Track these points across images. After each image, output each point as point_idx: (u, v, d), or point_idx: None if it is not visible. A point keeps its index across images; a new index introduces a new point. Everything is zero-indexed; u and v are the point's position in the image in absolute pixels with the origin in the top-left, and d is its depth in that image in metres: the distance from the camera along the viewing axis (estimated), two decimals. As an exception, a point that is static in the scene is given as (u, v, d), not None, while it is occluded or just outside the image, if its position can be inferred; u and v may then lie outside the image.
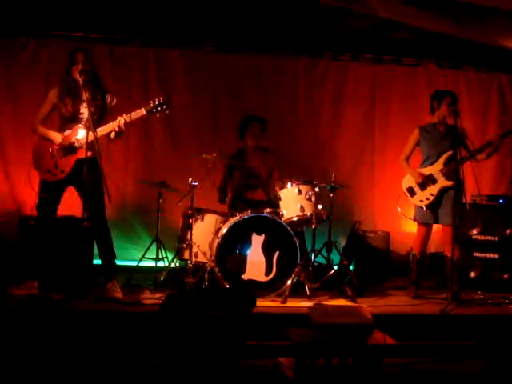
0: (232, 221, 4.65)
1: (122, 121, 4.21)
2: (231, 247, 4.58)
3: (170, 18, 5.78)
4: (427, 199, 4.80)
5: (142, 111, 4.29)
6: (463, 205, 4.74)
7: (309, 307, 3.79)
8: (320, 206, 4.74)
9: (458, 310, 4.34)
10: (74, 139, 4.26)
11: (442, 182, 4.75)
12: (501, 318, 4.30)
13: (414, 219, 4.94)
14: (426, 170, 4.85)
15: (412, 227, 5.23)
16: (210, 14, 5.63)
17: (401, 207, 5.05)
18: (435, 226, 4.94)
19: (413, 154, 5.00)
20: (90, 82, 4.28)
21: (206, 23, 5.86)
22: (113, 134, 4.31)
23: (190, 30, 5.98)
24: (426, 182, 4.81)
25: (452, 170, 4.63)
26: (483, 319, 4.25)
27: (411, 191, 4.89)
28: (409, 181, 4.91)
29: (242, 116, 5.52)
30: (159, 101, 4.27)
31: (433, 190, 4.78)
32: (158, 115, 4.32)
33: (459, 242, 4.77)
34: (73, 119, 4.32)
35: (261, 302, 3.98)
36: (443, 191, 4.74)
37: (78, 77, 4.21)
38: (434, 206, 4.79)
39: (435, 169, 4.80)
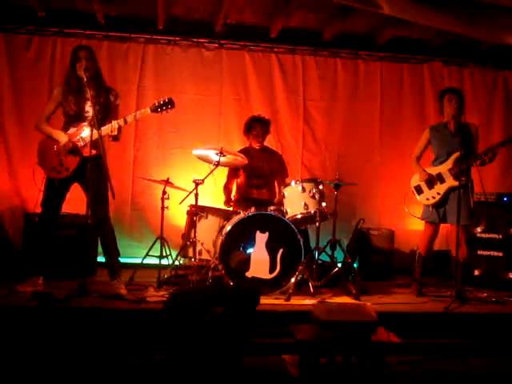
0: (236, 218, 4.64)
1: (116, 125, 4.21)
2: (235, 245, 4.58)
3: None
4: (433, 198, 4.78)
5: (147, 111, 4.30)
6: (471, 204, 4.73)
7: (312, 305, 3.79)
8: (324, 204, 4.74)
9: (462, 308, 4.34)
10: (78, 137, 4.26)
11: (450, 181, 4.71)
12: (505, 317, 4.28)
13: (422, 218, 4.93)
14: (436, 169, 4.82)
15: (417, 225, 5.22)
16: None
17: (407, 206, 5.04)
18: (442, 225, 4.92)
19: (425, 153, 4.97)
20: (94, 80, 4.27)
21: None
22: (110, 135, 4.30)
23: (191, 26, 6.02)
24: (434, 180, 4.79)
25: (460, 170, 4.62)
26: (487, 317, 4.24)
27: (419, 189, 4.88)
28: (417, 179, 4.90)
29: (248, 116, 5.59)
30: (164, 100, 4.29)
31: (440, 189, 4.76)
32: (162, 114, 4.33)
33: (467, 242, 4.77)
34: (77, 117, 4.31)
35: (264, 300, 3.96)
36: (450, 191, 4.71)
37: (81, 74, 4.19)
38: (440, 206, 4.77)
39: (444, 168, 4.77)
